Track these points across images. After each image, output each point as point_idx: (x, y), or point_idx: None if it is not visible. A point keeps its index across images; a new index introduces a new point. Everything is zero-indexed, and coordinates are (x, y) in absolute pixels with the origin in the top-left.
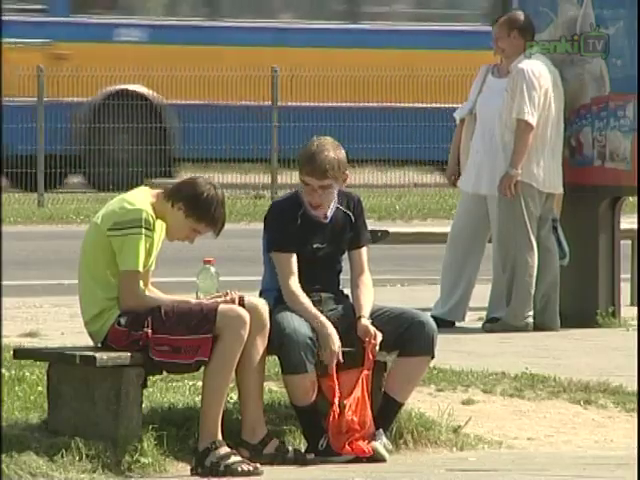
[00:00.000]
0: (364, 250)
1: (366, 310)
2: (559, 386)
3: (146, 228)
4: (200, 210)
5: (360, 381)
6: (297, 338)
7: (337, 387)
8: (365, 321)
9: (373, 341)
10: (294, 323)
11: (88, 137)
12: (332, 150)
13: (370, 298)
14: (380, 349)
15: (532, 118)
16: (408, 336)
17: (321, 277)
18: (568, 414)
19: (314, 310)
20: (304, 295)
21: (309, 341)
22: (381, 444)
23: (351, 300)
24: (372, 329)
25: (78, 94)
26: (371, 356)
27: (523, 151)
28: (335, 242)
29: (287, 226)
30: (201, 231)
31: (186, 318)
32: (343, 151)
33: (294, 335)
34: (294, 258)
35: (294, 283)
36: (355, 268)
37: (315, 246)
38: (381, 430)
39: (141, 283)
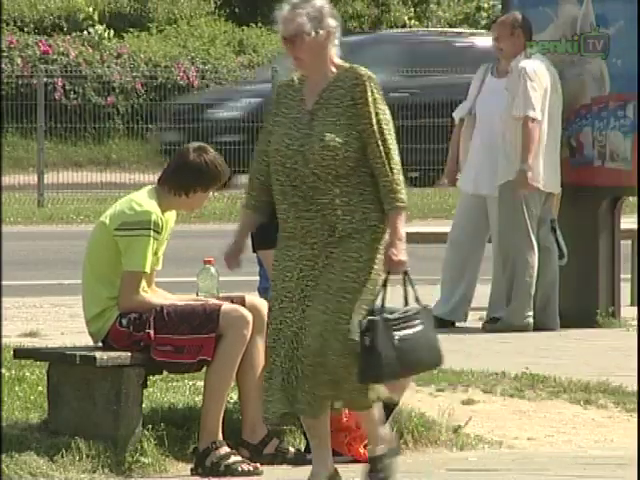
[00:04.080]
0: None
1: None
2: (559, 386)
3: (154, 230)
4: (204, 183)
5: None
6: None
7: None
8: None
9: None
10: None
11: None
12: None
13: None
14: None
15: (538, 113)
16: None
17: None
18: (568, 414)
19: None
20: None
21: None
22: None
23: None
24: None
25: None
26: None
27: (531, 146)
28: None
29: (269, 223)
30: (212, 192)
31: (189, 318)
32: None
33: None
34: None
35: None
36: None
37: None
38: None
39: (143, 283)
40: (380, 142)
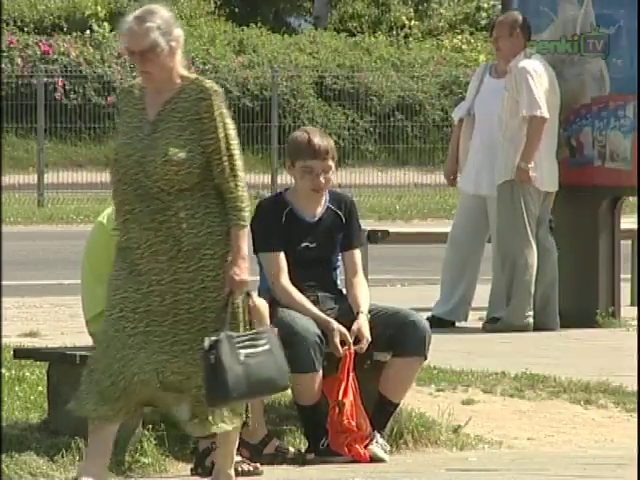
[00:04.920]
0: (357, 252)
1: (364, 306)
2: (559, 386)
3: None
4: None
5: (349, 384)
6: (307, 337)
7: (344, 384)
8: (363, 318)
9: (355, 348)
10: (302, 322)
11: None
12: (322, 135)
13: (366, 294)
14: (374, 349)
15: (545, 112)
16: (400, 336)
17: (316, 276)
18: (568, 414)
19: (313, 307)
20: (298, 292)
21: (318, 339)
22: (378, 446)
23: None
24: (366, 332)
25: None
26: (350, 361)
27: (536, 145)
28: (326, 242)
29: (271, 225)
30: None
31: None
32: (328, 137)
33: (304, 334)
34: (281, 257)
35: (285, 280)
36: (348, 270)
37: (304, 245)
38: (376, 432)
39: None
40: (226, 158)
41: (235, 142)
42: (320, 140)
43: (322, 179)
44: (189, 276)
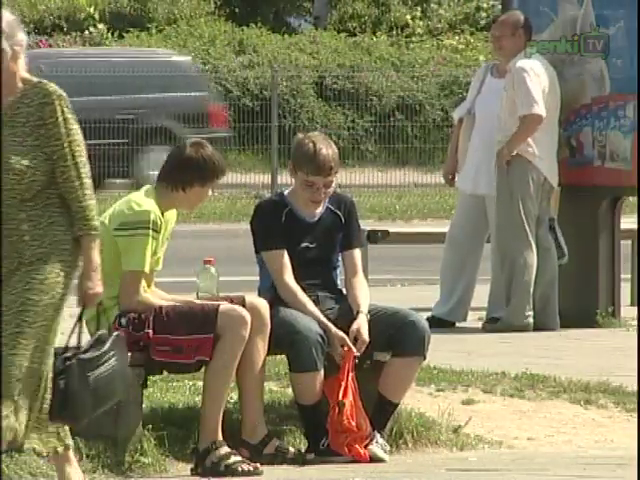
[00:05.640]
0: (356, 252)
1: (364, 305)
2: (559, 386)
3: (153, 229)
4: (200, 177)
5: (349, 385)
6: (309, 336)
7: (344, 384)
8: (362, 318)
9: (355, 351)
10: (304, 321)
11: None
12: (328, 145)
13: (366, 295)
14: (374, 349)
15: (542, 109)
16: (400, 336)
17: (316, 276)
18: (568, 414)
19: (315, 310)
20: (301, 291)
21: (320, 339)
22: (378, 446)
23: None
24: (364, 333)
25: None
26: (350, 361)
27: (522, 140)
28: (326, 242)
29: (272, 225)
30: (209, 187)
31: (187, 318)
32: (333, 144)
33: (306, 333)
34: (284, 254)
35: (288, 278)
36: (348, 270)
37: (304, 245)
38: (376, 432)
39: (143, 284)
40: (72, 165)
41: (81, 148)
42: (325, 153)
43: (323, 194)
44: (12, 298)
